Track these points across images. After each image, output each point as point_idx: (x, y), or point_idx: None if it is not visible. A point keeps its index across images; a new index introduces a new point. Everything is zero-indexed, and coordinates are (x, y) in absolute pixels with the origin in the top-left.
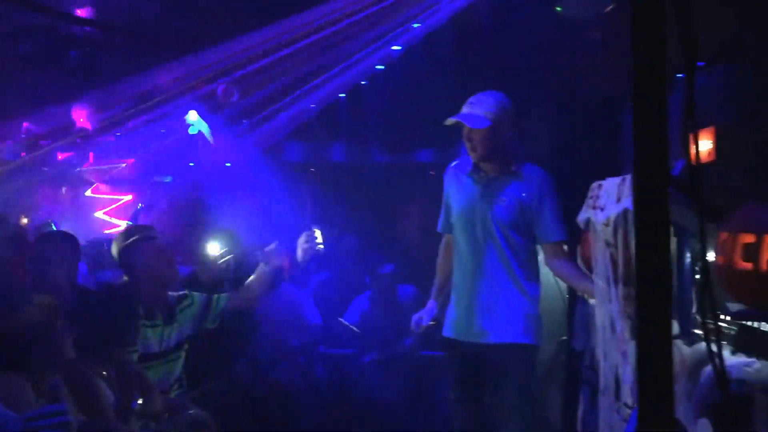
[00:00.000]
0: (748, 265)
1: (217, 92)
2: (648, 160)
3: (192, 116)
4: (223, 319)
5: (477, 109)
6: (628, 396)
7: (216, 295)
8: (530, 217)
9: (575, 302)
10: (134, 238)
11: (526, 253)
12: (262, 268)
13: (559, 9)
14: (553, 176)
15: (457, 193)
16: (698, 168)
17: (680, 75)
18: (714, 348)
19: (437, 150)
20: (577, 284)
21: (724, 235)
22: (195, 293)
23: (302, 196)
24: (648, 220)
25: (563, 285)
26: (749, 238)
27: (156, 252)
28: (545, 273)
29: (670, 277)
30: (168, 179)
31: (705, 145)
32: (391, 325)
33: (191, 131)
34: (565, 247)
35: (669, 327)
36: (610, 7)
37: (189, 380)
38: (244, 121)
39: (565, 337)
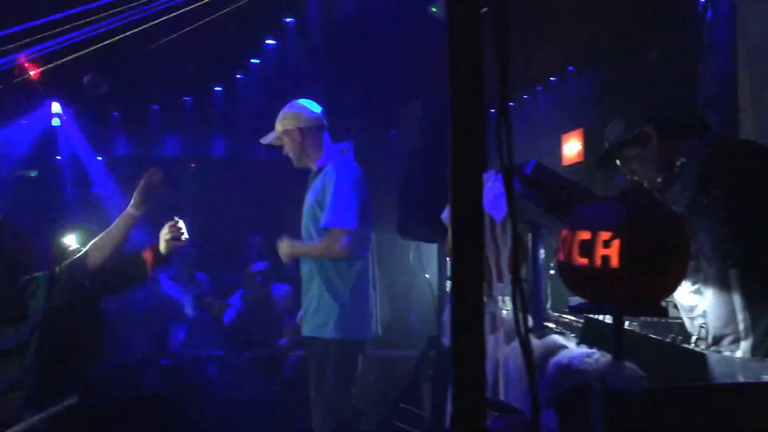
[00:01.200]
0: (584, 261)
1: (83, 82)
2: (463, 164)
3: (54, 108)
4: (76, 288)
5: (276, 123)
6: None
7: (57, 267)
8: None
9: (444, 298)
10: None
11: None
12: (128, 212)
13: (434, 10)
14: (358, 169)
15: None
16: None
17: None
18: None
19: None
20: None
21: (564, 232)
22: (38, 274)
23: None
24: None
25: (434, 281)
26: (585, 235)
27: (12, 238)
28: (417, 269)
29: (482, 279)
30: (34, 173)
31: (574, 146)
32: (265, 324)
33: (54, 123)
34: (343, 237)
35: (482, 325)
36: (485, 9)
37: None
38: (114, 113)
39: (434, 334)
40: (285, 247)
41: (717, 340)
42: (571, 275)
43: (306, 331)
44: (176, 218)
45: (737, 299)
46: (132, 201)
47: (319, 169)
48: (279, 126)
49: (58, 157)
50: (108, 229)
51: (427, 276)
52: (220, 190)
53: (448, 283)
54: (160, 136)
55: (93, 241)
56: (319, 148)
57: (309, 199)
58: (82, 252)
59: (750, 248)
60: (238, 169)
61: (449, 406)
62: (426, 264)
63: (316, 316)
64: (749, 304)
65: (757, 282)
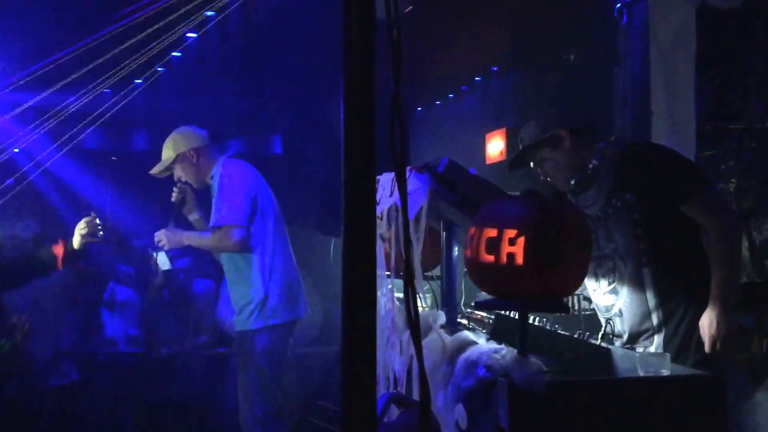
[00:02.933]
0: (491, 258)
1: None
2: (354, 162)
3: None
4: None
5: (162, 154)
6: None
7: None
8: None
9: None
10: None
11: None
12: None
13: None
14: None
15: None
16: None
17: (478, 78)
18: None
19: (245, 139)
20: None
21: (472, 230)
22: None
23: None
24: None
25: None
26: (492, 233)
27: None
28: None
29: (373, 275)
30: None
31: (497, 145)
32: (185, 320)
33: None
34: (233, 232)
35: (373, 330)
36: (409, 8)
37: None
38: (27, 104)
39: None
40: (168, 233)
41: (633, 338)
42: (478, 272)
43: (236, 326)
44: (93, 214)
45: (650, 297)
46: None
47: (212, 179)
48: (170, 152)
49: None
50: None
51: (334, 270)
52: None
53: None
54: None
55: None
56: (212, 163)
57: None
58: None
59: (661, 248)
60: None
61: None
62: (334, 257)
63: (241, 310)
64: (661, 302)
65: (668, 280)
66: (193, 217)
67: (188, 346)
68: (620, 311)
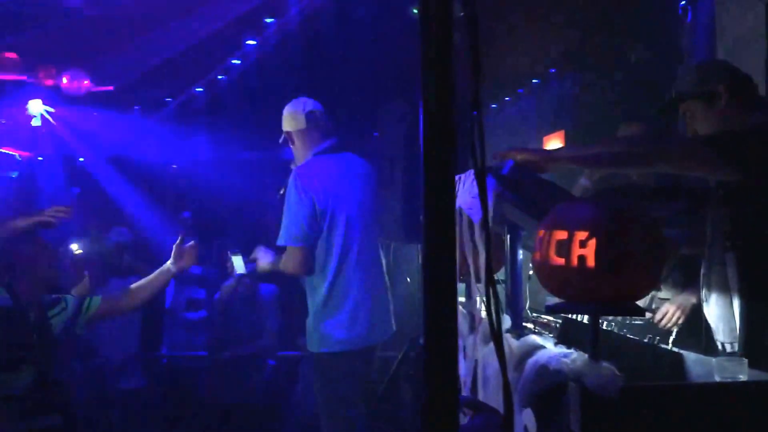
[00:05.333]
0: (561, 261)
1: (62, 81)
2: (435, 159)
3: (34, 107)
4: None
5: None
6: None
7: (88, 299)
8: None
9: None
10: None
11: None
12: (167, 267)
13: (416, 11)
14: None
15: None
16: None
17: (536, 81)
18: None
19: None
20: None
21: (541, 232)
22: (68, 297)
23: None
24: (435, 227)
25: (414, 282)
26: (562, 235)
27: (39, 249)
28: (395, 271)
29: (455, 281)
30: (14, 174)
31: (546, 149)
32: (250, 324)
33: (34, 123)
34: (295, 254)
35: (454, 326)
36: (462, 13)
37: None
38: (95, 113)
39: (415, 335)
40: (263, 255)
41: (721, 341)
42: (547, 275)
43: (309, 346)
44: (192, 242)
45: (735, 299)
46: (171, 257)
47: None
48: (285, 125)
49: (40, 158)
50: (148, 279)
51: (408, 279)
52: (203, 190)
53: None
54: (141, 137)
55: (134, 286)
56: (306, 153)
57: None
58: (102, 303)
59: (749, 248)
60: (219, 170)
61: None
62: (403, 265)
63: (314, 331)
64: (746, 304)
65: (754, 282)
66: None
67: (251, 349)
68: (710, 313)
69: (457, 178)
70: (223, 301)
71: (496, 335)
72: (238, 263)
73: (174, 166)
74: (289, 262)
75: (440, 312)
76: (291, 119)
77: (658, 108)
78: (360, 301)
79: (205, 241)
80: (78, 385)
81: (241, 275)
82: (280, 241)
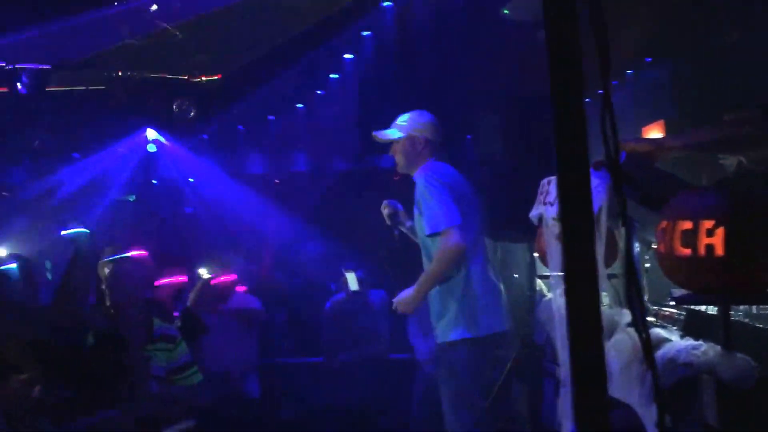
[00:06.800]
0: (687, 251)
1: (172, 108)
2: (569, 153)
3: (150, 134)
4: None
5: (393, 125)
6: None
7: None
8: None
9: (535, 297)
10: (123, 258)
11: (435, 247)
12: None
13: (506, 11)
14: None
15: None
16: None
17: (629, 72)
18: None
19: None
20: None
21: (664, 223)
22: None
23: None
24: (572, 216)
25: (525, 280)
26: (687, 225)
27: (146, 275)
28: (502, 270)
29: (596, 272)
30: (131, 198)
31: (656, 137)
32: (362, 329)
33: (150, 149)
34: (452, 234)
35: (598, 315)
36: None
37: None
38: (204, 135)
39: (527, 333)
40: (406, 300)
41: None
42: (673, 267)
43: (436, 338)
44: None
45: None
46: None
47: (413, 182)
48: (407, 128)
49: (154, 182)
50: None
51: (515, 276)
52: (301, 203)
53: (539, 282)
54: (246, 154)
55: None
56: (426, 161)
57: (414, 214)
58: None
59: None
60: (318, 183)
61: (544, 404)
62: (512, 264)
63: (441, 320)
64: None
65: None
66: (404, 228)
67: (362, 354)
68: None
69: (545, 181)
70: (334, 310)
71: (642, 332)
72: (351, 280)
73: (276, 181)
74: (449, 246)
75: (584, 306)
76: (433, 129)
77: (763, 108)
78: (490, 290)
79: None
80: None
81: (355, 291)
82: (433, 228)
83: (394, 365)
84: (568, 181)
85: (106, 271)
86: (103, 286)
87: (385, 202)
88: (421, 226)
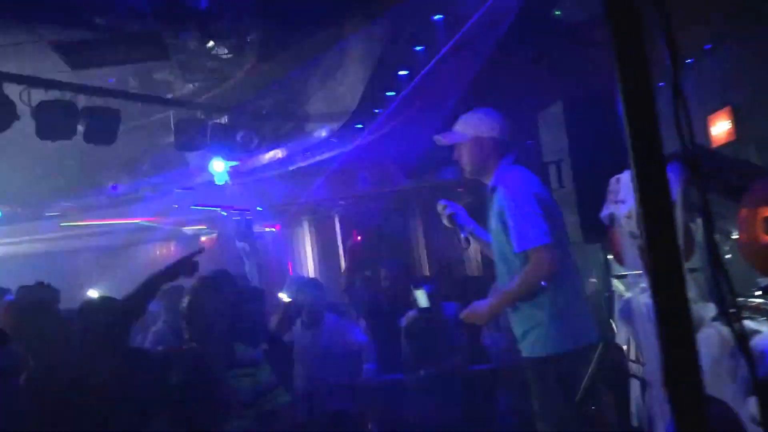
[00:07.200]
0: None
1: (236, 139)
2: (642, 149)
3: (217, 165)
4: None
5: (457, 126)
6: None
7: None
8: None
9: (613, 298)
10: (199, 288)
11: (519, 261)
12: None
13: (558, 13)
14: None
15: None
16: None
17: (689, 60)
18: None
19: None
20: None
21: (744, 212)
22: (266, 369)
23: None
24: (651, 207)
25: (601, 281)
26: None
27: (223, 302)
28: (583, 270)
29: (682, 266)
30: (205, 229)
31: (723, 125)
32: (438, 343)
33: (218, 180)
34: (544, 253)
35: (688, 309)
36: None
37: None
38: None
39: (607, 335)
40: (481, 313)
41: None
42: (757, 255)
43: (522, 352)
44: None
45: None
46: None
47: (493, 189)
48: (468, 129)
49: (224, 213)
50: None
51: (592, 280)
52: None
53: (614, 282)
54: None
55: None
56: (497, 163)
57: (492, 223)
58: None
59: None
60: (384, 201)
61: (633, 405)
62: (586, 266)
63: (529, 335)
64: None
65: None
66: (467, 232)
67: (444, 367)
68: None
69: (613, 180)
70: (409, 327)
71: (735, 326)
72: (421, 297)
73: (341, 202)
74: (543, 264)
75: (672, 303)
76: (500, 128)
77: None
78: (582, 299)
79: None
80: (287, 416)
81: (426, 308)
82: (523, 246)
83: (475, 377)
84: (645, 177)
85: (184, 302)
86: (182, 319)
87: (441, 202)
88: (501, 239)
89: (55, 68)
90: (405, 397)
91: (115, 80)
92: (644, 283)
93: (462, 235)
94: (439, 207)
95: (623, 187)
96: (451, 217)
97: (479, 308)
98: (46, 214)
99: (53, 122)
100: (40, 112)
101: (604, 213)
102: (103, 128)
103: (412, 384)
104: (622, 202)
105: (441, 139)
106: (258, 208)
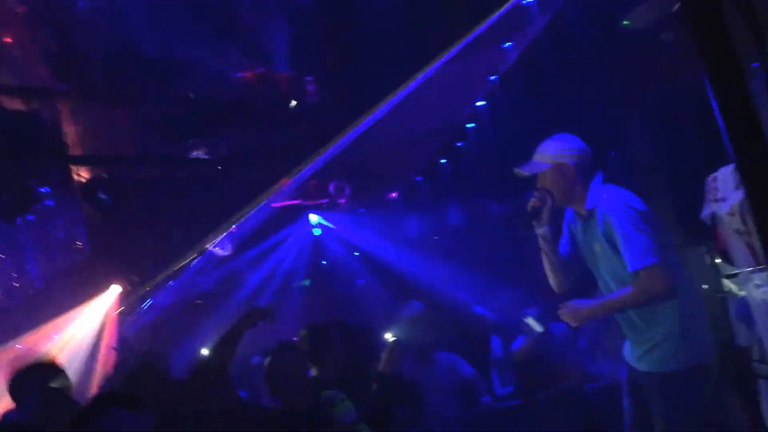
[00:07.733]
0: None
1: (329, 190)
2: (744, 143)
3: (313, 219)
4: None
5: (536, 155)
6: None
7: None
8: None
9: (726, 298)
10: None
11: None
12: None
13: (627, 22)
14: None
15: None
16: None
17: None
18: None
19: None
20: None
21: None
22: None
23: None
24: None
25: (712, 283)
26: None
27: (301, 364)
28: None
29: None
30: (306, 282)
31: None
32: (552, 366)
33: (316, 232)
34: (656, 272)
35: None
36: (677, 5)
37: None
38: (360, 210)
39: (725, 338)
40: (580, 312)
41: None
42: None
43: (643, 367)
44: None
45: None
46: None
47: (589, 211)
48: (547, 158)
49: (324, 263)
50: None
51: (703, 285)
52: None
53: (725, 282)
54: (400, 219)
55: None
56: (586, 185)
57: (596, 247)
58: None
59: None
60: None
61: (764, 407)
62: (693, 270)
63: (652, 350)
64: None
65: None
66: (542, 231)
67: (561, 388)
68: None
69: (710, 179)
70: (521, 353)
71: None
72: (533, 324)
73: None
74: (658, 282)
75: None
76: (580, 154)
77: None
78: (704, 309)
79: None
80: None
81: (541, 333)
82: (641, 263)
83: (593, 395)
84: (750, 171)
85: (265, 365)
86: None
87: (541, 192)
88: (614, 260)
89: None
90: (526, 423)
91: None
92: (758, 279)
93: (538, 226)
94: (533, 199)
95: (721, 184)
96: (536, 209)
97: (579, 306)
98: None
99: None
100: None
101: (705, 213)
102: None
103: (532, 409)
104: (723, 200)
105: (521, 172)
106: (355, 253)
